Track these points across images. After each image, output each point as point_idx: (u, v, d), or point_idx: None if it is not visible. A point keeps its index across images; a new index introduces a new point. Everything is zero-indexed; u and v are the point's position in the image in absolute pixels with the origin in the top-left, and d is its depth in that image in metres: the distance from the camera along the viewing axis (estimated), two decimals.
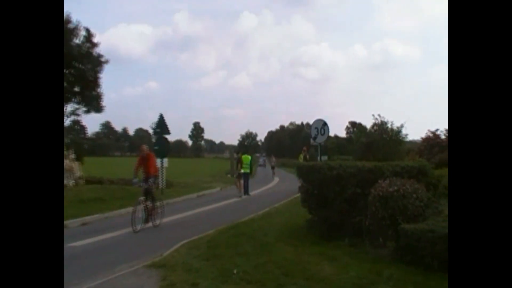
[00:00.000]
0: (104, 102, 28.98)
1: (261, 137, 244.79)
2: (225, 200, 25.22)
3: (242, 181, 27.67)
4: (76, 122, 42.15)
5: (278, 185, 38.59)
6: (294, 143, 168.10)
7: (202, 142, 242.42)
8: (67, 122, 29.40)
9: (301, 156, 29.14)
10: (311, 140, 21.02)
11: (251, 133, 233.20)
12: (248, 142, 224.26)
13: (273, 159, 59.86)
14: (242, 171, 27.64)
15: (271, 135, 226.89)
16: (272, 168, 54.38)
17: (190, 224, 16.48)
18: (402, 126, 31.66)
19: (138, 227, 14.68)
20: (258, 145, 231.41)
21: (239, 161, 27.78)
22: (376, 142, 31.79)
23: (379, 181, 10.78)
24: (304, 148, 29.75)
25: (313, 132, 20.14)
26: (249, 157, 28.09)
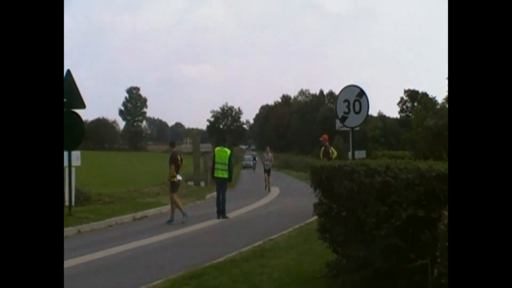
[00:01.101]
0: None
1: (248, 115, 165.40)
2: (186, 226, 17.08)
3: (216, 193, 19.43)
4: None
5: (277, 202, 26.80)
6: (306, 128, 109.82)
7: (144, 123, 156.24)
8: None
9: (321, 151, 20.38)
10: (337, 123, 16.28)
11: (230, 109, 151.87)
12: (225, 124, 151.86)
13: (269, 155, 36.53)
14: (214, 175, 19.25)
15: (265, 112, 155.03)
16: (267, 172, 35.57)
17: (118, 270, 10.65)
18: None
19: None
20: (244, 129, 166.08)
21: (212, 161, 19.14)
22: None
23: None
24: (325, 136, 20.60)
25: (341, 109, 13.42)
26: (227, 151, 19.19)
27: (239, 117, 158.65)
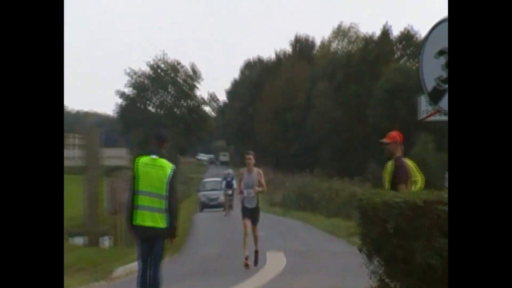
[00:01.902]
0: None
1: (215, 88, 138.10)
2: None
3: (139, 263, 9.66)
4: None
5: None
6: (350, 114, 64.48)
7: None
8: None
9: (387, 168, 10.11)
10: (423, 105, 9.86)
11: (172, 68, 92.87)
12: (160, 103, 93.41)
13: (253, 173, 16.47)
14: (136, 222, 9.37)
15: (254, 79, 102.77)
16: (249, 214, 16.69)
17: None
18: None
19: None
20: (205, 116, 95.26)
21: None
22: None
23: None
24: (395, 135, 10.18)
25: (432, 73, 7.32)
26: (165, 167, 9.55)
27: (194, 88, 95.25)
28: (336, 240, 26.80)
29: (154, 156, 9.69)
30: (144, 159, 9.63)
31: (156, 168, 9.54)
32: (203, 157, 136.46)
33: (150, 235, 9.51)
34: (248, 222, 16.71)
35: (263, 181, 16.63)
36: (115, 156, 26.03)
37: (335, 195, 40.66)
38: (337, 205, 37.87)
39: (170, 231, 9.58)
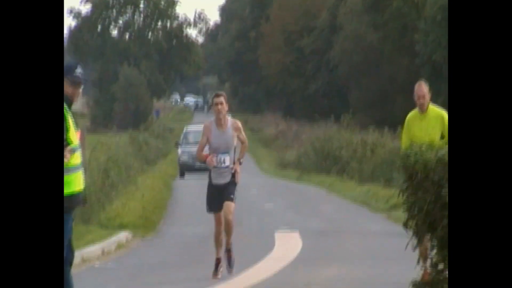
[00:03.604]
0: None
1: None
2: None
3: None
4: None
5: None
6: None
7: None
8: None
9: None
10: None
11: None
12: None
13: (233, 134, 14.61)
14: None
15: None
16: (226, 190, 14.66)
17: None
18: None
19: None
20: (191, 42, 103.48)
21: None
22: None
23: None
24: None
25: None
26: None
27: (174, 4, 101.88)
28: (372, 215, 27.69)
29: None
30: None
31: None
32: (188, 100, 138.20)
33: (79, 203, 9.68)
34: (220, 214, 14.62)
35: (242, 136, 14.80)
36: None
37: (370, 152, 41.36)
38: (373, 166, 38.48)
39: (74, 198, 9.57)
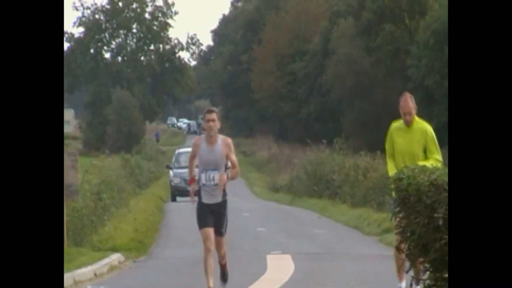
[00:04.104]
0: None
1: (196, 22, 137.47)
2: None
3: None
4: None
5: None
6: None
7: None
8: None
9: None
10: None
11: None
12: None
13: (223, 151, 13.97)
14: None
15: (243, 6, 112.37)
16: (217, 218, 14.21)
17: None
18: None
19: None
20: (184, 65, 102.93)
21: None
22: None
23: None
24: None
25: None
26: None
27: (167, 28, 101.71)
28: (364, 239, 27.79)
29: None
30: None
31: None
32: (182, 123, 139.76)
33: None
34: (211, 231, 13.83)
35: (233, 157, 13.99)
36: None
37: (362, 176, 40.96)
38: (366, 190, 38.01)
39: None
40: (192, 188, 13.89)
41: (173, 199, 50.66)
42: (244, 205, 42.08)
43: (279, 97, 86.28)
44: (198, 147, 13.73)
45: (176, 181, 51.56)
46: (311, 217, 36.75)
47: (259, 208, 43.30)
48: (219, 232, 13.72)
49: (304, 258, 21.27)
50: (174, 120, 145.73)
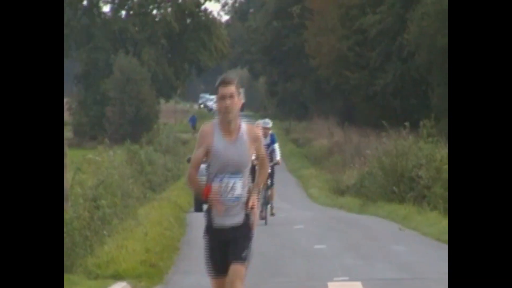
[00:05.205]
0: None
1: None
2: None
3: None
4: None
5: None
6: None
7: None
8: None
9: None
10: None
11: None
12: None
13: (250, 146, 12.36)
14: None
15: None
16: (235, 245, 12.36)
17: None
18: None
19: None
20: (213, 23, 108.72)
21: None
22: None
23: None
24: None
25: None
26: None
27: None
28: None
29: None
30: None
31: None
32: (204, 99, 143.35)
33: None
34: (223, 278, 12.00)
35: (263, 151, 12.37)
36: None
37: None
38: None
39: None
40: (218, 206, 11.74)
41: (198, 208, 50.20)
42: (297, 213, 42.48)
43: (343, 64, 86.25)
44: (210, 137, 11.68)
45: (203, 182, 50.99)
46: (389, 229, 36.85)
47: (317, 218, 43.40)
48: (237, 257, 11.65)
49: (379, 286, 21.54)
50: (209, 99, 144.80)
